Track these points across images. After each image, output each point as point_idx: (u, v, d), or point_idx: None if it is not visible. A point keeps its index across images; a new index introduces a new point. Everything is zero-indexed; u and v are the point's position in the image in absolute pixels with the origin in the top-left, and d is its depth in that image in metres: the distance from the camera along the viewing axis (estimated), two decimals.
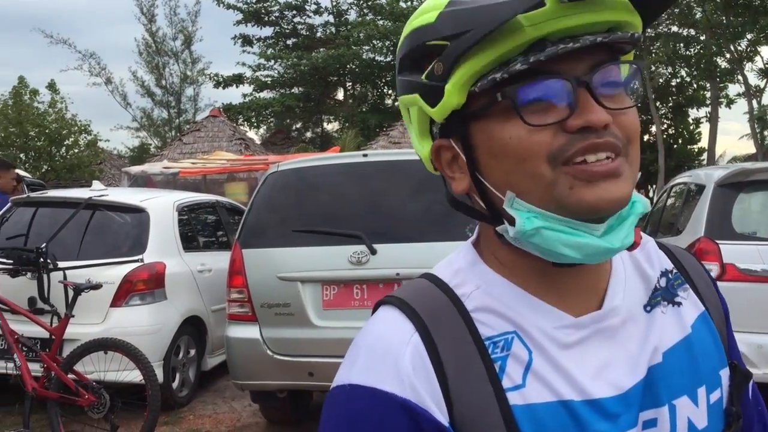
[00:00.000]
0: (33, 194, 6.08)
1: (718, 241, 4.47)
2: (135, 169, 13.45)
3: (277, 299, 4.29)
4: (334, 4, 29.47)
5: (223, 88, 29.08)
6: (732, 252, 4.41)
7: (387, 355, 0.73)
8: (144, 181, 12.53)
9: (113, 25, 56.74)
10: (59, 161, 26.84)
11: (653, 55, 25.01)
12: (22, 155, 26.13)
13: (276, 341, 4.30)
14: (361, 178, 4.45)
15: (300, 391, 4.70)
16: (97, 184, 6.03)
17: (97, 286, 4.71)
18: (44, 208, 5.73)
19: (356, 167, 4.51)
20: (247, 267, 4.38)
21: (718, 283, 0.91)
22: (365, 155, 4.55)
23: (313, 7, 29.31)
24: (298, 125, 33.92)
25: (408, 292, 0.79)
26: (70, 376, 4.50)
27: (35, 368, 4.68)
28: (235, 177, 12.61)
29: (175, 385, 5.41)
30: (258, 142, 25.33)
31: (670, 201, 6.25)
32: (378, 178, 4.43)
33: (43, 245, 4.96)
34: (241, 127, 25.95)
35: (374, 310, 0.80)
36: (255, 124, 31.07)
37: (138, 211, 5.59)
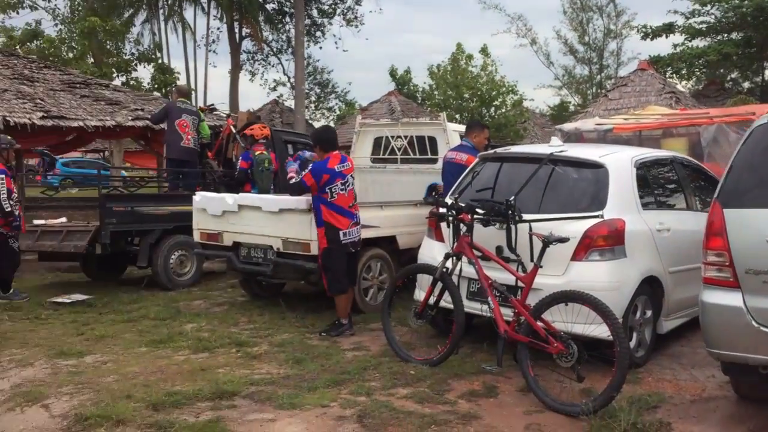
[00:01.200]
0: (499, 150, 6.51)
1: None
2: (568, 126, 13.54)
3: (766, 266, 3.85)
4: None
5: (651, 39, 27.52)
6: None
7: None
8: (576, 138, 12.56)
9: None
10: (488, 120, 28.77)
11: None
12: (457, 116, 28.64)
13: (763, 312, 3.87)
14: None
15: None
16: (555, 140, 6.19)
17: (564, 240, 4.84)
18: (508, 163, 6.09)
19: None
20: (728, 228, 4.02)
21: None
22: None
23: None
24: (733, 75, 30.54)
25: None
26: (539, 323, 4.74)
27: (505, 313, 5.05)
28: (672, 133, 11.86)
29: (632, 344, 5.31)
30: (687, 95, 23.51)
31: None
32: None
33: (512, 198, 5.26)
34: (670, 80, 24.35)
35: None
36: (686, 76, 28.90)
37: (597, 166, 5.56)
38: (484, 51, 30.08)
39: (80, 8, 24.07)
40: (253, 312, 7.26)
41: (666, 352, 5.76)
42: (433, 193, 7.87)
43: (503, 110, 29.81)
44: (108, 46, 23.67)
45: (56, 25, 24.52)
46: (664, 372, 5.28)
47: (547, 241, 4.79)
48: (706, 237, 4.16)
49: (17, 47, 21.62)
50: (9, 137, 8.25)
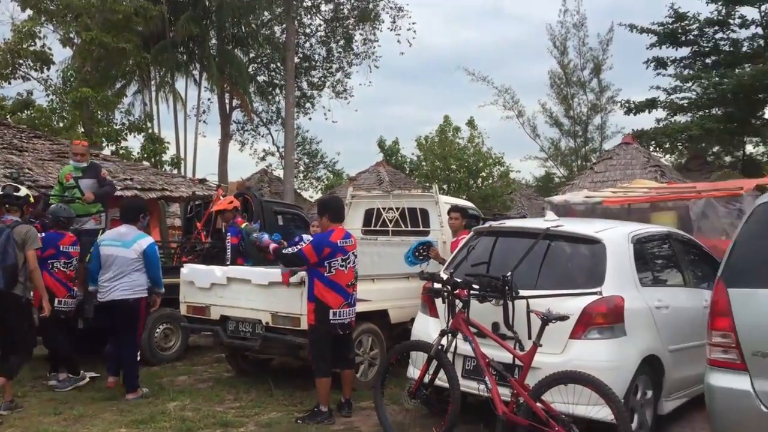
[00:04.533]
0: (493, 224, 6.45)
1: None
2: (557, 198, 13.60)
3: None
4: (763, 14, 26.32)
5: (634, 114, 28.07)
6: None
7: None
8: (565, 210, 12.59)
9: (527, 60, 60.05)
10: (475, 191, 28.97)
11: None
12: (445, 186, 28.83)
13: None
14: None
15: None
16: (549, 215, 6.13)
17: (564, 318, 4.72)
18: (503, 238, 6.02)
19: None
20: (734, 308, 3.93)
21: None
22: None
23: (738, 20, 26.60)
24: (715, 149, 31.11)
25: None
26: (539, 405, 4.57)
27: (502, 392, 4.87)
28: (659, 206, 11.92)
29: (633, 426, 5.11)
30: (671, 168, 23.84)
31: None
32: None
33: (509, 273, 5.16)
34: (654, 154, 24.74)
35: None
36: (669, 150, 29.41)
37: (594, 242, 5.50)
38: (470, 123, 30.51)
39: (72, 79, 24.27)
40: (239, 389, 7.00)
41: None
42: (422, 248, 7.69)
43: (490, 181, 30.03)
44: (99, 116, 23.80)
45: (48, 95, 24.71)
46: None
47: (547, 319, 4.68)
48: (711, 317, 4.07)
49: (8, 117, 21.66)
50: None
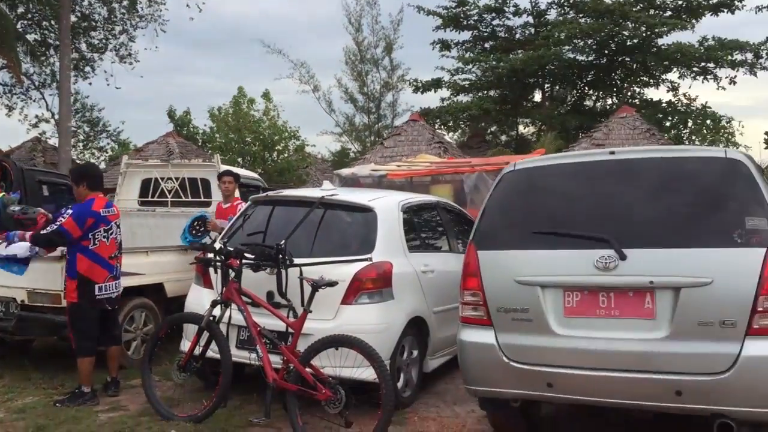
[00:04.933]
0: (271, 193, 6.40)
1: None
2: (345, 171, 13.93)
3: (514, 304, 4.10)
4: (534, 4, 28.81)
5: (422, 93, 29.51)
6: None
7: None
8: (353, 183, 12.92)
9: (324, 36, 60.29)
10: (271, 165, 28.74)
11: None
12: (239, 159, 28.28)
13: (512, 348, 4.11)
14: (608, 177, 4.15)
15: (533, 402, 4.45)
16: (327, 184, 6.22)
17: (333, 283, 4.80)
18: (280, 207, 6.00)
19: (602, 165, 4.21)
20: (482, 269, 4.24)
21: None
22: (612, 152, 4.24)
23: (512, 9, 28.88)
24: (493, 128, 33.61)
25: None
26: (307, 369, 4.64)
27: (274, 360, 4.88)
28: (439, 179, 12.65)
29: (399, 385, 5.40)
30: (454, 145, 25.40)
31: None
32: (627, 177, 4.10)
33: (282, 242, 5.15)
34: (439, 131, 26.17)
35: None
36: (453, 127, 31.27)
37: (366, 210, 5.67)
38: (266, 96, 30.12)
39: None
40: None
41: (432, 390, 5.94)
42: (197, 224, 7.45)
43: (286, 155, 29.96)
44: None
45: None
46: (429, 410, 5.42)
47: (316, 286, 4.73)
48: (463, 278, 4.36)
49: None
50: None
